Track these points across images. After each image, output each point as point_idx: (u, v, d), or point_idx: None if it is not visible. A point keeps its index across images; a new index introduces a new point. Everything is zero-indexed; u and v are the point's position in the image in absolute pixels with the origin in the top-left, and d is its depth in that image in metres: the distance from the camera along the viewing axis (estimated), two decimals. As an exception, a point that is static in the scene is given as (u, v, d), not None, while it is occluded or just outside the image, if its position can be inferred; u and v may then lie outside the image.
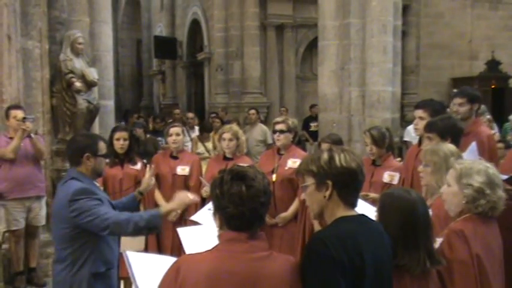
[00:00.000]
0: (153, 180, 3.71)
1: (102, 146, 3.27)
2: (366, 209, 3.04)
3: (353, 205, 2.15)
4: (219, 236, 2.01)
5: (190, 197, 3.29)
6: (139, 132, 9.22)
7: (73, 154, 3.24)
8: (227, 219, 1.97)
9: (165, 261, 2.05)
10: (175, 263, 2.00)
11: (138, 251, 4.10)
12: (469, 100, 4.36)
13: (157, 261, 2.47)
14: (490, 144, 4.17)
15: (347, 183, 2.10)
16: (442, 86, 13.95)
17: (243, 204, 1.92)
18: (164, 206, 3.32)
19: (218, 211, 1.99)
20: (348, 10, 8.19)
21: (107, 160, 3.45)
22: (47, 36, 5.88)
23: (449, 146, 3.17)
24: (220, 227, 2.01)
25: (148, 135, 9.30)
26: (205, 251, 2.00)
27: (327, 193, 2.10)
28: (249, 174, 1.96)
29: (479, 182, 2.53)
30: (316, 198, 2.14)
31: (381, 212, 2.43)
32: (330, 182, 2.09)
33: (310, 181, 2.14)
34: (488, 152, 3.99)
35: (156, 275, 2.00)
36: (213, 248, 1.99)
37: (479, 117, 8.67)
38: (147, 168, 3.78)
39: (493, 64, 13.95)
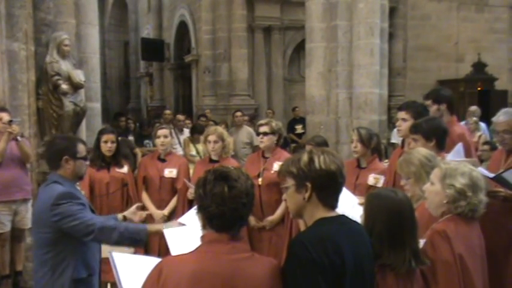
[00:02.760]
0: (137, 217, 3.56)
1: (82, 148, 3.21)
2: (348, 198, 3.04)
3: (333, 206, 2.17)
4: (202, 237, 2.02)
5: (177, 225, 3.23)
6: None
7: (52, 157, 3.19)
8: (209, 219, 1.98)
9: (150, 263, 2.05)
10: (158, 264, 2.01)
11: (126, 252, 4.09)
12: (434, 101, 4.40)
13: (142, 263, 2.46)
14: (462, 142, 4.22)
15: (326, 185, 2.13)
16: (428, 88, 13.83)
17: (224, 204, 1.94)
18: (152, 226, 3.25)
19: (201, 211, 2.01)
20: (335, 12, 8.22)
21: (87, 162, 3.38)
22: (33, 38, 5.83)
23: (421, 152, 3.16)
24: (203, 227, 2.02)
25: (120, 138, 9.14)
26: (188, 253, 2.01)
27: (306, 195, 2.12)
28: (231, 175, 1.98)
29: (461, 184, 2.57)
30: (295, 199, 2.16)
31: (368, 212, 2.45)
32: (309, 184, 2.11)
33: (290, 182, 2.17)
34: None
35: (141, 276, 2.00)
36: (195, 249, 2.00)
37: (468, 117, 8.84)
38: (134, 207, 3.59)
39: (479, 66, 14.08)
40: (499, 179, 3.55)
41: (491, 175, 3.56)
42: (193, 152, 8.12)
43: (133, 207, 3.57)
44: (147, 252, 5.01)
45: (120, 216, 3.49)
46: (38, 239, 3.13)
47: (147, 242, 4.96)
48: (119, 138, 9.07)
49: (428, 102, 4.45)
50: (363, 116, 8.13)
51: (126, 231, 3.01)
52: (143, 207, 3.54)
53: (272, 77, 13.94)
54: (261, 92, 13.77)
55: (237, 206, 1.97)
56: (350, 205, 2.79)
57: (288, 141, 10.83)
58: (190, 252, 2.01)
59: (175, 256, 2.10)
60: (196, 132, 8.23)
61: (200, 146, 7.99)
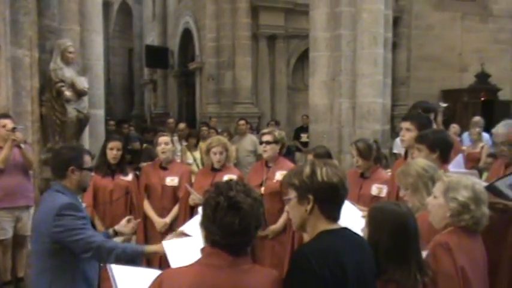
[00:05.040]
0: (128, 229, 3.53)
1: (88, 159, 3.20)
2: (351, 212, 3.03)
3: (335, 219, 2.16)
4: (202, 250, 2.01)
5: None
6: (136, 146, 9.14)
7: (57, 167, 3.16)
8: (212, 242, 1.96)
9: (149, 274, 2.04)
10: (158, 276, 1.99)
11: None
12: (423, 111, 4.52)
13: (141, 274, 2.45)
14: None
15: (328, 198, 2.12)
16: (432, 98, 13.96)
17: (232, 237, 1.92)
18: (150, 247, 3.21)
19: (205, 231, 1.99)
20: (339, 22, 8.23)
21: (92, 174, 3.36)
22: (37, 44, 5.85)
23: (419, 163, 3.16)
24: (205, 240, 2.01)
25: (144, 145, 9.18)
26: (188, 265, 1.99)
27: (308, 207, 2.11)
28: (245, 206, 1.93)
29: (465, 197, 2.56)
30: (298, 211, 2.15)
31: (372, 226, 2.43)
32: (311, 197, 2.10)
33: (292, 194, 2.16)
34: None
35: None
36: (195, 261, 1.99)
37: (471, 128, 8.82)
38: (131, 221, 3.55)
39: (483, 76, 14.07)
40: (492, 189, 3.55)
41: (485, 184, 3.57)
42: (190, 160, 8.12)
43: (124, 220, 3.52)
44: (148, 263, 5.00)
45: (111, 231, 3.46)
46: (37, 249, 3.09)
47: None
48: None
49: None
50: (365, 126, 8.11)
51: (123, 253, 2.97)
52: (129, 220, 3.50)
53: (276, 86, 13.97)
54: (265, 100, 13.79)
55: (244, 239, 1.96)
56: (353, 218, 2.77)
57: (292, 149, 10.79)
58: (190, 265, 1.99)
59: (175, 268, 2.08)
60: (193, 138, 8.27)
61: (197, 154, 8.00)
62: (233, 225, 1.90)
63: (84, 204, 3.72)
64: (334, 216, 2.15)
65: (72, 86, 6.01)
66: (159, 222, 5.05)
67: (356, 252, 2.12)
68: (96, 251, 2.93)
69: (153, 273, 2.11)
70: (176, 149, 8.22)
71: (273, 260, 4.56)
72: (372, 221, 2.44)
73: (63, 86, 5.93)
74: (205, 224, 1.97)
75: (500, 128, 3.91)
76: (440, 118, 5.16)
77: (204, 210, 1.99)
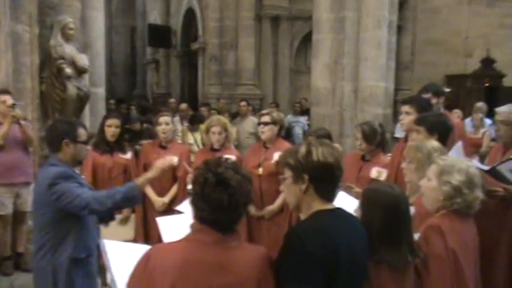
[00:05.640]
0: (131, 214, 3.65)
1: (82, 133, 3.23)
2: (348, 201, 3.04)
3: (330, 199, 2.16)
4: (191, 226, 2.01)
5: (167, 161, 3.35)
6: (136, 126, 9.12)
7: (52, 140, 3.22)
8: (201, 219, 1.97)
9: (141, 250, 2.05)
10: (146, 251, 2.01)
11: (126, 241, 4.10)
12: (434, 94, 4.58)
13: (133, 250, 2.46)
14: (457, 132, 4.27)
15: (323, 178, 2.11)
16: (436, 82, 13.94)
17: (219, 212, 1.92)
18: (140, 179, 3.29)
19: (194, 207, 1.99)
20: (343, 3, 8.17)
21: (88, 147, 3.39)
22: (37, 20, 5.80)
23: (433, 144, 3.19)
24: (194, 217, 2.01)
25: (145, 125, 9.16)
26: (176, 241, 2.01)
27: (303, 187, 2.11)
28: (233, 183, 1.93)
29: (458, 181, 2.58)
30: (293, 191, 2.15)
31: (365, 207, 2.44)
32: (306, 176, 2.10)
33: (287, 174, 2.16)
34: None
35: (131, 264, 2.00)
36: (183, 237, 2.00)
37: (474, 114, 8.79)
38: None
39: (488, 62, 13.93)
40: (493, 172, 3.56)
41: (487, 168, 3.57)
42: (191, 141, 8.11)
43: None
44: (147, 239, 5.03)
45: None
46: (38, 221, 3.17)
47: (147, 230, 5.05)
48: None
49: (428, 95, 4.55)
50: (367, 109, 8.09)
51: (117, 193, 3.06)
52: None
53: (278, 68, 13.86)
54: (267, 82, 13.70)
55: (232, 215, 1.96)
56: (348, 203, 2.77)
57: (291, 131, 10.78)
58: (178, 241, 2.01)
59: (163, 244, 2.10)
60: (196, 121, 8.21)
61: (198, 135, 7.99)
62: (221, 201, 1.90)
63: (83, 176, 3.75)
64: (329, 196, 2.15)
65: (73, 63, 5.99)
66: (158, 201, 5.06)
67: (349, 232, 2.12)
68: (93, 202, 3.00)
69: (145, 249, 2.12)
70: (177, 130, 8.22)
71: (269, 241, 4.57)
72: (366, 201, 2.44)
73: (63, 63, 5.90)
74: (194, 200, 1.98)
75: (504, 107, 3.96)
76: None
77: (193, 186, 1.99)
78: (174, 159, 5.10)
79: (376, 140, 4.50)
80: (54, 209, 3.04)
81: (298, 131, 10.44)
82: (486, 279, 3.23)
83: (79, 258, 3.15)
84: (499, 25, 14.53)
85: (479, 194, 2.63)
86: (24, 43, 5.59)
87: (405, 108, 4.19)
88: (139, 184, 3.17)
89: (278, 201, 4.72)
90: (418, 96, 4.61)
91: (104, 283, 3.40)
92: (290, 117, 10.72)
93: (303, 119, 10.67)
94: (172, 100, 11.92)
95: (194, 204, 1.98)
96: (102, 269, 3.02)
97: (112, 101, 10.87)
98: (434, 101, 4.51)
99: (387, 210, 2.35)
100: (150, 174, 3.31)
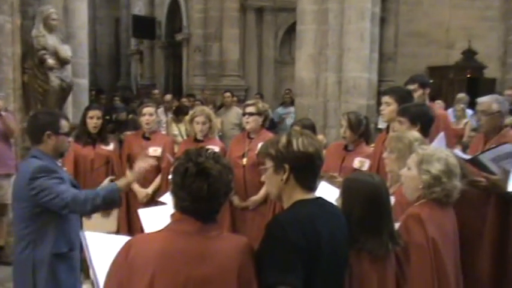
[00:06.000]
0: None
1: (64, 124, 3.20)
2: (329, 191, 3.07)
3: (311, 188, 2.18)
4: (171, 215, 2.02)
5: (146, 163, 3.31)
6: (122, 116, 9.07)
7: (33, 132, 3.17)
8: (182, 208, 1.98)
9: (122, 242, 2.05)
10: (127, 242, 2.01)
11: (109, 233, 4.09)
12: (420, 85, 4.58)
13: (114, 242, 2.46)
14: (442, 123, 4.30)
15: (304, 168, 2.13)
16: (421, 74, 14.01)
17: (200, 202, 1.93)
18: (120, 181, 3.27)
19: (174, 197, 2.00)
20: (327, -5, 8.17)
21: (70, 139, 3.37)
22: (19, 10, 5.73)
23: (414, 134, 3.23)
24: (175, 207, 2.02)
25: (130, 116, 9.09)
26: (157, 231, 2.01)
27: (284, 176, 2.13)
28: (213, 172, 1.93)
29: (437, 170, 2.61)
30: (274, 181, 2.17)
31: (345, 196, 2.46)
32: (287, 166, 2.12)
33: (268, 164, 2.18)
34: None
35: (112, 256, 2.00)
36: (164, 227, 2.00)
37: (456, 104, 8.90)
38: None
39: (469, 54, 14.07)
40: (475, 162, 3.60)
41: (468, 157, 3.63)
42: (176, 132, 8.09)
43: (106, 180, 3.59)
44: (130, 231, 5.02)
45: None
46: (18, 214, 3.13)
47: (130, 222, 5.04)
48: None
49: (414, 86, 4.55)
50: (351, 100, 8.13)
51: (97, 197, 3.03)
52: (112, 180, 3.54)
53: (263, 59, 13.86)
54: (252, 73, 13.69)
55: (213, 205, 1.97)
56: (329, 193, 2.80)
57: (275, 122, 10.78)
58: (159, 231, 2.01)
59: (144, 234, 2.11)
60: (181, 113, 8.19)
61: (183, 126, 7.97)
62: (202, 190, 1.91)
63: (64, 168, 3.73)
64: (310, 186, 2.18)
65: (55, 53, 5.92)
66: (141, 192, 5.06)
67: (330, 221, 2.15)
68: (72, 203, 2.97)
69: (125, 240, 2.12)
70: (161, 121, 8.20)
71: (252, 232, 4.59)
72: (346, 190, 2.47)
73: (45, 54, 5.83)
74: (174, 190, 1.99)
75: (485, 98, 4.01)
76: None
77: (173, 176, 1.99)
78: (158, 150, 5.12)
79: (360, 130, 4.54)
80: (33, 204, 3.00)
81: (289, 122, 10.41)
82: (470, 269, 3.30)
83: (61, 253, 3.11)
84: (480, 17, 14.66)
85: (457, 183, 2.66)
86: (6, 34, 5.52)
87: (385, 98, 4.22)
88: (120, 187, 3.15)
89: (262, 192, 4.73)
90: (398, 86, 4.65)
91: (87, 276, 3.40)
92: (280, 110, 10.71)
93: (293, 110, 10.65)
94: (156, 91, 11.85)
95: (175, 194, 1.98)
96: (85, 262, 3.02)
97: (93, 92, 10.76)
98: (420, 92, 4.53)
99: (367, 199, 2.38)
100: (131, 177, 3.28)
